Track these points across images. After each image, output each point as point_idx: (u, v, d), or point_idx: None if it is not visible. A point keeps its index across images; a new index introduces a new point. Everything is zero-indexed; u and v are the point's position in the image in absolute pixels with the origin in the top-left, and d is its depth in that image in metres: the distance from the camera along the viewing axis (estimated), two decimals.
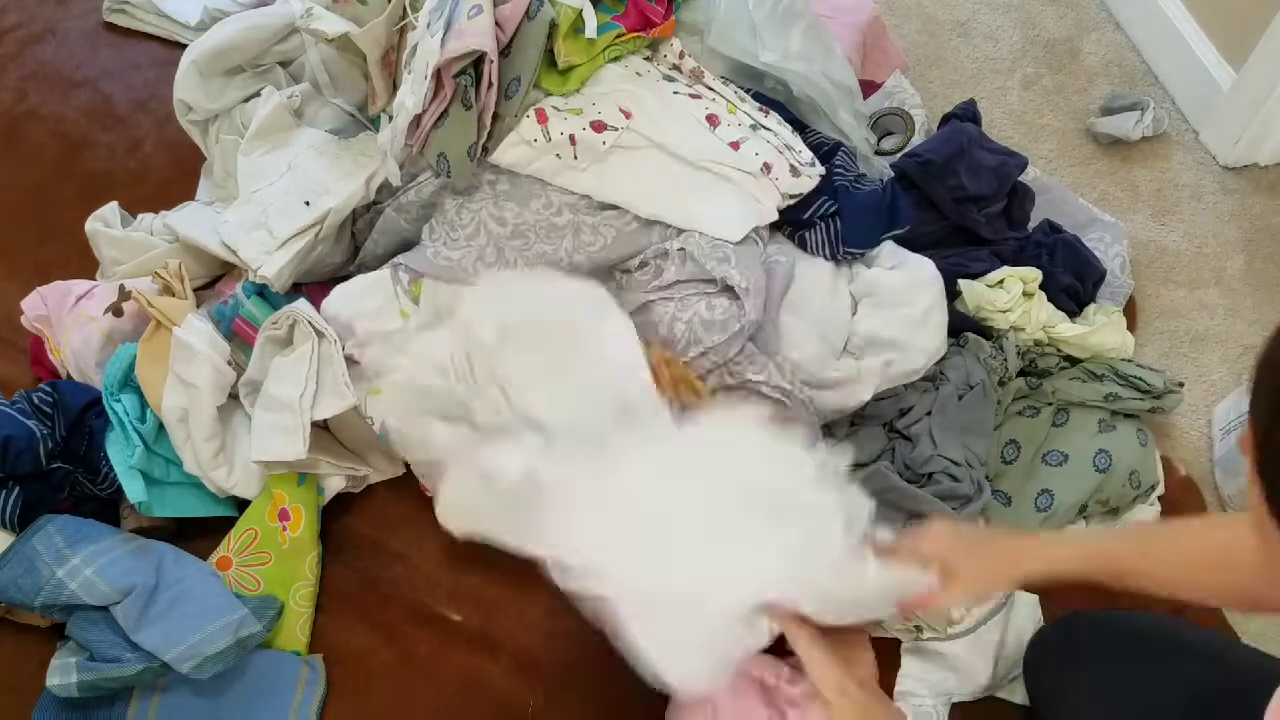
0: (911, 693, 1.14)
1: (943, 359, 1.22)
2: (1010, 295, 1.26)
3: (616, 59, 1.20)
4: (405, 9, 1.21)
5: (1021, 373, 1.27)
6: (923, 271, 1.20)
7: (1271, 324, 1.47)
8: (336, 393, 1.12)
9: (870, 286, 1.21)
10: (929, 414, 1.18)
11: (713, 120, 1.17)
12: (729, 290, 1.12)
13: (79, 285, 1.30)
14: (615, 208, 1.18)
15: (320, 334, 1.13)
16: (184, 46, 1.44)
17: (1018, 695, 1.14)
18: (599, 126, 1.14)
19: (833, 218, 1.21)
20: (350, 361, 1.17)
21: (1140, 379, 1.25)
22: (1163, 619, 1.11)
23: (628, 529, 0.80)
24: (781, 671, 1.11)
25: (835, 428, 1.19)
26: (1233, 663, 0.96)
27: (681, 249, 1.13)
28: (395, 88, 1.25)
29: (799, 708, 1.09)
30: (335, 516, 1.23)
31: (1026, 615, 1.18)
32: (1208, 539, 0.87)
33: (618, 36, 1.16)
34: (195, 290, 1.28)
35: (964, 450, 1.15)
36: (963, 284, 1.27)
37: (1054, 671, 1.05)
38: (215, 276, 1.38)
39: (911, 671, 1.14)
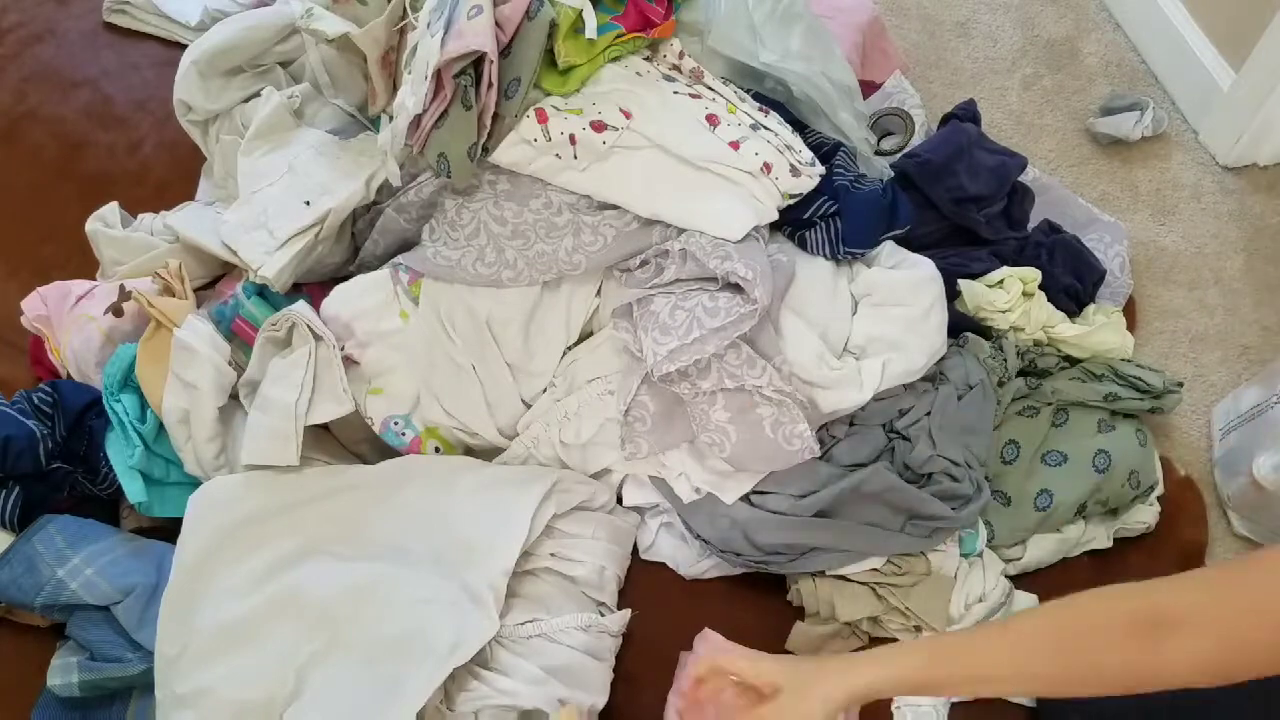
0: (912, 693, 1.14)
1: (942, 359, 1.22)
2: (1010, 295, 1.26)
3: (616, 59, 1.20)
4: (405, 9, 1.21)
5: (1021, 373, 1.27)
6: (923, 271, 1.20)
7: (1271, 324, 1.49)
8: (334, 397, 1.12)
9: (870, 286, 1.21)
10: (928, 414, 1.18)
11: (712, 120, 1.17)
12: (731, 287, 1.12)
13: (79, 285, 1.30)
14: (615, 208, 1.18)
15: (318, 338, 1.13)
16: (184, 46, 1.45)
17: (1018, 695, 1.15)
18: (599, 126, 1.14)
19: (833, 218, 1.21)
20: (350, 362, 1.17)
21: (1140, 379, 1.25)
22: None
23: None
24: None
25: (835, 428, 1.19)
26: None
27: (683, 249, 1.13)
28: (395, 88, 1.25)
29: None
30: None
31: None
32: (1042, 621, 0.77)
33: (617, 37, 1.16)
34: (195, 290, 1.28)
35: (964, 451, 1.15)
36: (962, 284, 1.27)
37: None
38: (215, 276, 1.38)
39: None
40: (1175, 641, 0.66)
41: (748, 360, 1.09)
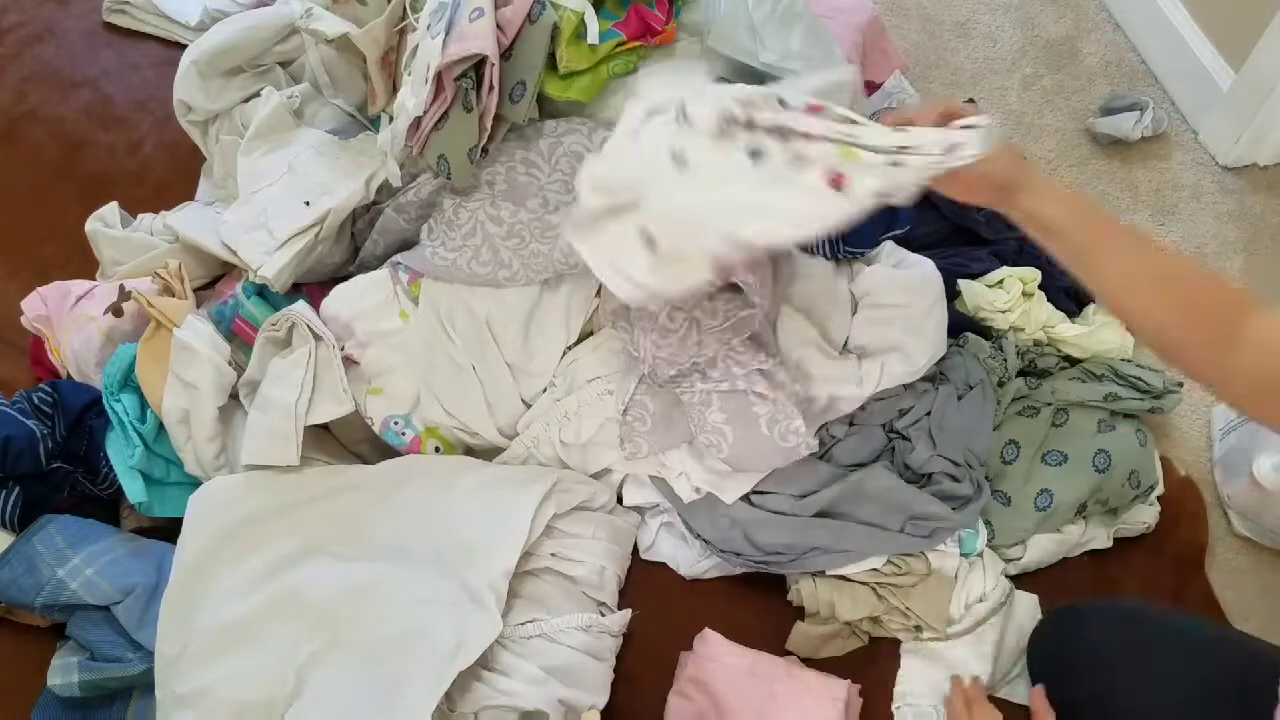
0: (911, 693, 1.14)
1: (943, 359, 1.22)
2: (1010, 295, 1.26)
3: (619, 74, 1.19)
4: (405, 10, 1.21)
5: (1021, 373, 1.27)
6: (923, 271, 1.20)
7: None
8: (334, 397, 1.12)
9: (870, 286, 1.21)
10: (928, 414, 1.18)
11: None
12: (730, 287, 1.12)
13: (79, 285, 1.30)
14: None
15: (318, 338, 1.13)
16: (184, 46, 1.45)
17: (1018, 695, 1.15)
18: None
19: None
20: (350, 362, 1.17)
21: (1139, 379, 1.25)
22: (1166, 610, 1.12)
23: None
24: (778, 670, 1.12)
25: (834, 428, 1.19)
26: (1235, 652, 0.97)
27: None
28: (395, 88, 1.25)
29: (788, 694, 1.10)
30: None
31: (1025, 614, 1.18)
32: (1174, 266, 0.84)
33: (619, 45, 1.16)
34: (195, 290, 1.28)
35: (964, 451, 1.15)
36: (962, 284, 1.27)
37: (1059, 656, 1.06)
38: (215, 276, 1.38)
39: (911, 672, 1.15)
40: (1244, 356, 0.71)
41: (751, 349, 1.09)
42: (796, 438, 1.10)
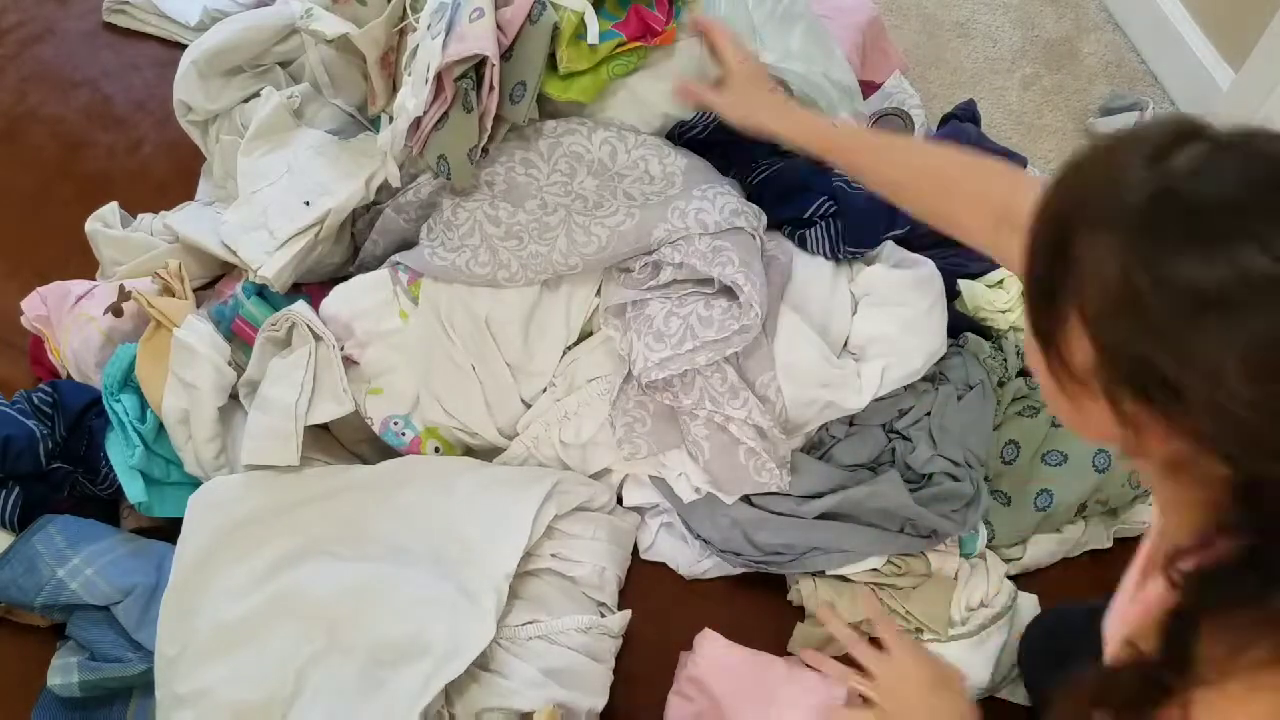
0: None
1: (942, 359, 1.22)
2: (1010, 295, 1.26)
3: (620, 75, 1.19)
4: (405, 10, 1.21)
5: (1021, 373, 1.27)
6: (923, 271, 1.20)
7: None
8: (334, 397, 1.12)
9: (870, 285, 1.21)
10: (928, 414, 1.18)
11: None
12: (727, 291, 1.12)
13: (79, 285, 1.30)
14: (610, 208, 1.18)
15: (318, 338, 1.13)
16: (184, 47, 1.45)
17: (1018, 696, 1.15)
18: None
19: (833, 217, 1.21)
20: (350, 362, 1.17)
21: None
22: None
23: None
24: (778, 670, 1.12)
25: (834, 427, 1.19)
26: None
27: (679, 251, 1.13)
28: (395, 88, 1.25)
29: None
30: None
31: (1028, 616, 1.17)
32: (935, 162, 0.99)
33: (619, 45, 1.16)
34: (195, 290, 1.28)
35: (964, 450, 1.15)
36: (962, 284, 1.27)
37: (1047, 656, 1.06)
38: (215, 276, 1.38)
39: None
40: (1015, 239, 0.73)
41: (731, 389, 1.09)
42: (769, 475, 1.11)
